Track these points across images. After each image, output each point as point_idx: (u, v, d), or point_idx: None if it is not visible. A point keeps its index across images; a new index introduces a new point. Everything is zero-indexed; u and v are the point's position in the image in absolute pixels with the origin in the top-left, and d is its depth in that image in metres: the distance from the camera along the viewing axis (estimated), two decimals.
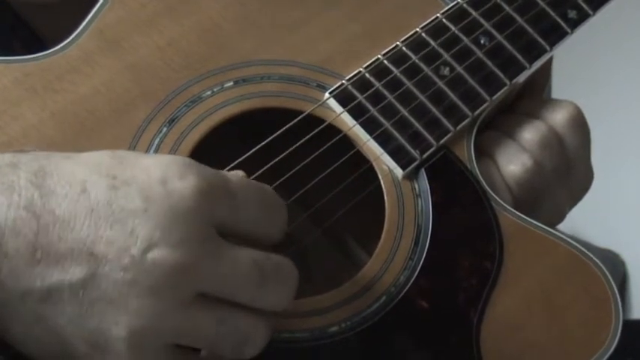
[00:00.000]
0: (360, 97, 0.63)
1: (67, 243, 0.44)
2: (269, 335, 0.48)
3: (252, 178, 0.56)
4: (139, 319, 0.44)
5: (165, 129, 0.59)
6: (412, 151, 0.62)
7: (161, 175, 0.45)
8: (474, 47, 0.66)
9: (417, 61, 0.65)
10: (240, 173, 0.53)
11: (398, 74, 0.64)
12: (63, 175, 0.45)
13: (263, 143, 0.59)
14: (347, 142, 0.62)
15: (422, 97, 0.63)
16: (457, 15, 0.67)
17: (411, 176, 0.62)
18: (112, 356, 0.44)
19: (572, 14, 0.69)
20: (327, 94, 0.63)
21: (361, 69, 0.64)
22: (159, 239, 0.44)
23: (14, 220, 0.44)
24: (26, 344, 0.45)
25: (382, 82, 0.63)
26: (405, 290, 0.57)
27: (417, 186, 0.62)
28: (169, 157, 0.47)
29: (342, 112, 0.62)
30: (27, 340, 0.45)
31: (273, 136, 0.60)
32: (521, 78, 0.67)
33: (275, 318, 0.49)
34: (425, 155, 0.62)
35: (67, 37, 0.61)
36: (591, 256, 0.61)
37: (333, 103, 0.63)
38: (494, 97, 0.65)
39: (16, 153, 0.47)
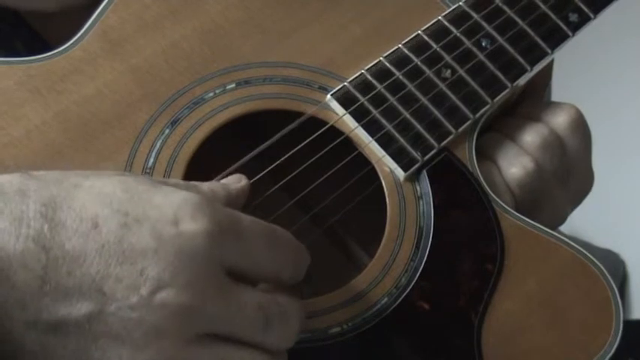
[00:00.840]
0: (362, 99, 0.63)
1: (75, 278, 0.43)
2: None
3: (253, 180, 0.56)
4: (142, 354, 0.44)
5: (167, 130, 0.59)
6: (414, 152, 0.62)
7: (173, 215, 0.45)
8: (475, 50, 0.66)
9: (418, 63, 0.65)
10: (242, 180, 0.53)
11: (399, 76, 0.64)
12: (74, 208, 0.45)
13: (265, 145, 0.59)
14: (349, 144, 0.63)
15: (423, 100, 0.64)
16: (458, 17, 0.67)
17: (413, 178, 0.62)
18: None
19: (573, 17, 0.69)
20: (328, 96, 0.63)
21: (363, 71, 0.64)
22: (168, 281, 0.44)
23: (22, 252, 0.43)
24: None
25: (384, 85, 0.63)
26: (407, 292, 0.57)
27: (418, 188, 0.62)
28: (182, 195, 0.47)
29: (344, 115, 0.62)
30: None
31: (275, 137, 0.60)
32: (523, 81, 0.67)
33: (285, 356, 0.49)
34: (426, 157, 0.62)
35: (70, 38, 0.61)
36: (591, 257, 0.62)
37: (334, 105, 0.63)
38: (496, 99, 0.65)
39: (25, 177, 0.46)
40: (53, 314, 0.43)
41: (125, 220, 0.45)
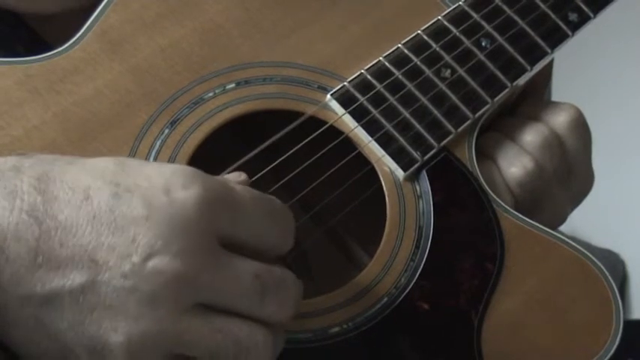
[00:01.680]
0: (362, 99, 0.63)
1: (68, 249, 0.44)
2: (273, 347, 0.48)
3: (253, 179, 0.56)
4: (137, 325, 0.44)
5: (167, 130, 0.59)
6: (413, 152, 0.62)
7: (164, 183, 0.45)
8: (475, 49, 0.66)
9: (418, 63, 0.65)
10: (242, 176, 0.53)
11: (399, 76, 0.64)
12: (66, 181, 0.45)
13: (265, 145, 0.59)
14: (348, 144, 0.63)
15: (423, 99, 0.64)
16: (458, 17, 0.67)
17: (413, 178, 0.62)
18: None
19: (573, 17, 0.69)
20: (328, 96, 0.63)
21: (362, 71, 0.64)
22: (160, 248, 0.44)
23: (16, 225, 0.44)
24: (27, 348, 0.45)
25: (383, 84, 0.63)
26: (407, 292, 0.57)
27: (418, 187, 0.62)
28: (173, 166, 0.47)
29: (343, 114, 0.62)
30: (28, 344, 0.45)
31: (275, 137, 0.60)
32: (522, 80, 0.67)
33: (283, 332, 0.49)
34: (426, 157, 0.62)
35: (69, 38, 0.61)
36: (591, 257, 0.62)
37: (334, 105, 0.63)
38: (496, 99, 0.65)
39: (20, 156, 0.47)
40: (47, 286, 0.43)
41: (116, 190, 0.45)
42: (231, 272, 0.46)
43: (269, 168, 0.58)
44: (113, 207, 0.44)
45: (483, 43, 0.66)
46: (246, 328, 0.46)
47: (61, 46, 0.60)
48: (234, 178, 0.53)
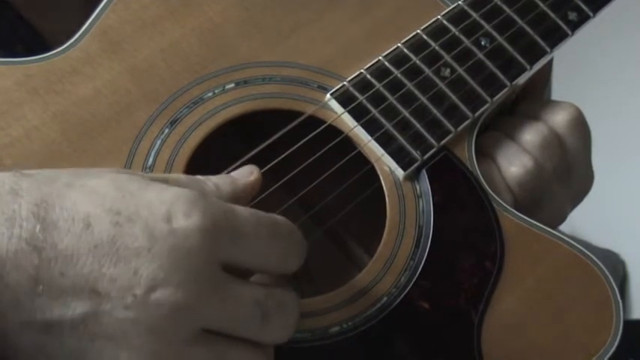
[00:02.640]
0: (361, 98, 0.63)
1: (69, 279, 0.43)
2: None
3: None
4: (139, 355, 0.44)
5: (167, 130, 0.59)
6: (413, 152, 0.62)
7: (165, 212, 0.45)
8: (474, 49, 0.66)
9: (417, 62, 0.65)
10: (254, 174, 0.53)
11: (399, 75, 0.64)
12: (66, 208, 0.45)
13: (264, 144, 0.59)
14: (348, 143, 0.63)
15: (423, 99, 0.64)
16: (457, 16, 0.67)
17: (412, 177, 0.62)
18: None
19: (572, 16, 0.69)
20: (328, 96, 0.63)
21: (362, 70, 0.64)
22: (162, 280, 0.44)
23: (15, 253, 0.43)
24: None
25: (383, 83, 0.63)
26: (406, 291, 0.57)
27: (418, 187, 0.62)
28: (175, 192, 0.46)
29: (342, 113, 0.62)
30: None
31: (275, 137, 0.60)
32: (522, 79, 0.67)
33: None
34: (426, 156, 0.62)
35: (69, 38, 0.61)
36: (592, 256, 0.62)
37: (334, 104, 0.63)
38: (495, 98, 0.65)
39: (17, 176, 0.46)
40: (48, 314, 0.43)
41: (117, 219, 0.44)
42: (231, 299, 0.45)
43: (268, 167, 0.58)
44: (114, 237, 0.44)
45: (483, 43, 0.66)
46: (246, 352, 0.47)
47: (60, 45, 0.60)
48: (245, 174, 0.53)
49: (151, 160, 0.58)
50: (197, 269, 0.44)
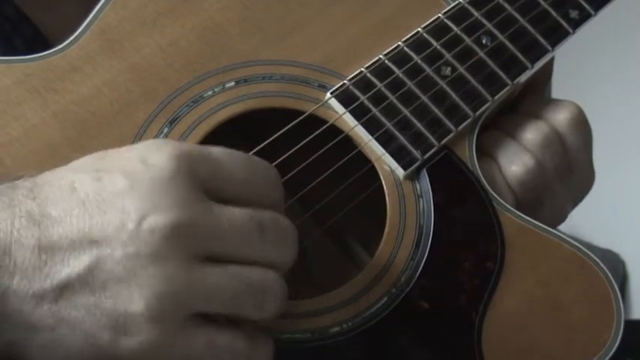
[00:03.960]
0: (362, 98, 0.63)
1: (67, 238, 0.45)
2: (285, 288, 0.49)
3: None
4: (150, 289, 0.45)
5: (166, 129, 0.59)
6: (414, 151, 0.62)
7: (139, 154, 0.47)
8: (475, 47, 0.66)
9: (418, 61, 0.65)
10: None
11: (399, 74, 0.64)
12: (53, 183, 0.47)
13: (264, 143, 0.59)
14: (348, 143, 0.62)
15: (423, 98, 0.63)
16: (459, 15, 0.67)
17: (413, 176, 0.62)
18: (136, 336, 0.45)
19: (573, 14, 0.69)
20: (328, 94, 0.63)
21: (363, 69, 0.64)
22: (150, 208, 0.45)
23: (18, 231, 0.46)
24: (52, 354, 0.46)
25: (384, 83, 0.63)
26: (407, 291, 0.57)
27: (418, 186, 0.62)
28: (146, 141, 0.50)
29: (344, 113, 0.62)
30: (52, 349, 0.45)
31: (275, 136, 0.60)
32: (523, 78, 0.67)
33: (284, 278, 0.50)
34: (426, 155, 0.62)
35: (69, 36, 0.61)
36: (593, 256, 0.61)
37: (334, 104, 0.63)
38: (496, 97, 0.65)
39: (18, 178, 0.49)
40: (56, 278, 0.45)
41: (97, 175, 0.47)
42: (224, 216, 0.47)
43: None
44: (98, 189, 0.46)
45: (484, 41, 0.66)
46: (256, 271, 0.48)
47: (61, 40, 0.60)
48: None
49: None
50: (180, 192, 0.46)
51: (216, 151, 0.49)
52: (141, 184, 0.46)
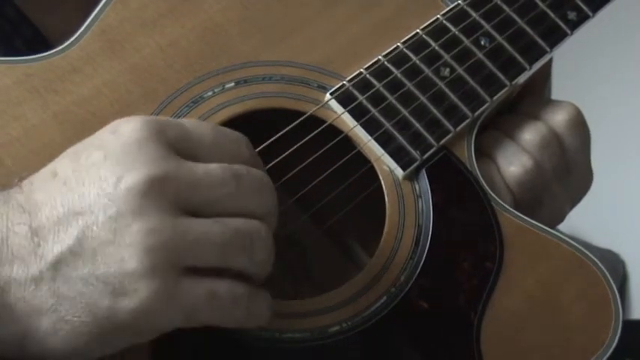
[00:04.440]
0: (361, 98, 0.63)
1: (53, 216, 0.47)
2: (271, 236, 0.50)
3: None
4: (138, 245, 0.45)
5: None
6: (413, 151, 0.62)
7: (109, 128, 0.49)
8: (474, 48, 0.66)
9: (417, 62, 0.65)
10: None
11: (398, 75, 0.64)
12: (38, 175, 0.49)
13: (264, 144, 0.59)
14: (348, 143, 0.63)
15: (422, 98, 0.64)
16: (457, 16, 0.67)
17: (412, 177, 0.62)
18: (135, 295, 0.45)
19: (571, 15, 0.69)
20: (328, 95, 0.63)
21: (362, 70, 0.64)
22: (124, 170, 0.47)
23: (12, 221, 0.47)
24: (57, 335, 0.46)
25: (383, 83, 0.63)
26: (406, 290, 0.57)
27: (417, 186, 0.62)
28: (118, 120, 0.50)
29: (342, 113, 0.62)
30: (57, 329, 0.46)
31: (275, 137, 0.60)
32: (522, 79, 0.67)
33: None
34: (425, 156, 0.62)
35: (70, 37, 0.61)
36: (591, 256, 0.62)
37: (333, 104, 0.63)
38: (495, 97, 0.65)
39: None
40: (50, 256, 0.46)
41: (75, 156, 0.49)
42: (198, 168, 0.48)
43: (268, 167, 0.58)
44: (75, 167, 0.48)
45: (482, 42, 0.67)
46: (241, 220, 0.48)
47: (62, 41, 0.60)
48: None
49: None
50: (152, 151, 0.47)
51: (184, 120, 0.51)
52: (113, 151, 0.47)
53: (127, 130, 0.48)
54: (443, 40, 0.66)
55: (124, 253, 0.45)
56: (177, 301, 0.46)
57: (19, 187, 0.49)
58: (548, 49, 0.68)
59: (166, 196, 0.46)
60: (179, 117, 0.60)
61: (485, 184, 0.63)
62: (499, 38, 0.67)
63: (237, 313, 0.48)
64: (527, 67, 0.67)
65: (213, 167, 0.48)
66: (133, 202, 0.46)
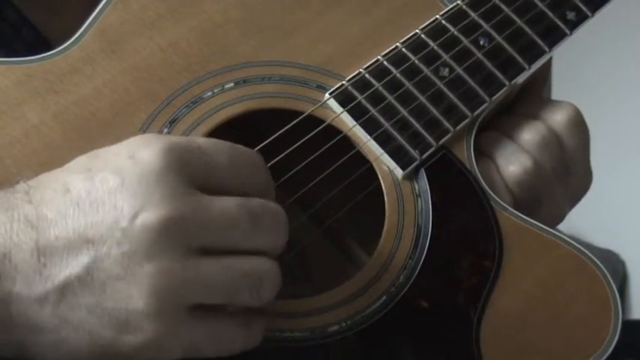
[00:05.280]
0: (360, 98, 0.63)
1: (63, 239, 0.46)
2: (280, 275, 0.50)
3: None
4: (148, 286, 0.45)
5: (166, 130, 0.59)
6: (412, 151, 0.62)
7: (128, 151, 0.48)
8: (473, 48, 0.66)
9: (416, 61, 0.65)
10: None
11: (398, 75, 0.64)
12: (48, 185, 0.48)
13: (263, 144, 0.60)
14: (347, 143, 0.63)
15: (421, 98, 0.64)
16: (456, 16, 0.67)
17: (411, 176, 0.62)
18: (138, 333, 0.46)
19: (570, 15, 0.69)
20: (327, 95, 0.63)
21: (361, 70, 0.64)
22: (141, 204, 0.46)
23: (17, 235, 0.47)
24: (58, 352, 0.47)
25: (382, 83, 0.64)
26: (405, 290, 0.57)
27: (416, 186, 0.62)
28: (135, 136, 0.50)
29: (341, 112, 0.63)
30: (58, 347, 0.46)
31: (274, 136, 0.60)
32: (521, 79, 0.67)
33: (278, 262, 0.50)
34: (424, 155, 0.62)
35: (70, 38, 0.61)
36: (591, 256, 0.62)
37: (333, 104, 0.63)
38: (494, 97, 0.65)
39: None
40: (56, 280, 0.46)
41: (89, 174, 0.48)
42: (214, 207, 0.47)
43: (268, 166, 0.58)
44: (90, 188, 0.47)
45: (481, 42, 0.67)
46: (250, 260, 0.48)
47: (63, 44, 0.60)
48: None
49: None
50: (170, 186, 0.47)
51: (201, 141, 0.50)
52: (131, 180, 0.46)
53: (146, 157, 0.47)
54: (442, 40, 0.66)
55: (132, 291, 0.45)
56: (179, 340, 0.47)
57: (27, 196, 0.48)
58: (547, 49, 0.68)
59: (180, 237, 0.46)
60: (178, 118, 0.60)
61: (484, 184, 0.63)
62: (498, 38, 0.67)
63: (235, 346, 0.49)
64: (527, 66, 0.67)
65: (229, 206, 0.48)
66: (147, 242, 0.45)
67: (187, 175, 0.47)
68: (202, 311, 0.47)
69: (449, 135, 0.63)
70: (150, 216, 0.45)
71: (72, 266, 0.46)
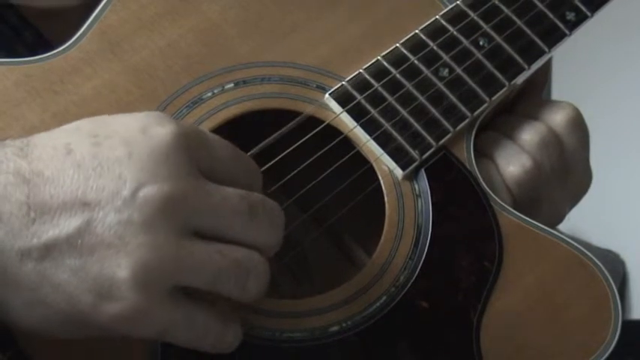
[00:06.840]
0: (360, 98, 0.63)
1: (58, 198, 0.45)
2: (268, 272, 0.49)
3: None
4: (139, 256, 0.45)
5: None
6: (412, 151, 0.62)
7: (140, 124, 0.48)
8: (472, 48, 0.66)
9: (416, 62, 0.65)
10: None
11: (397, 75, 0.64)
12: (47, 143, 0.47)
13: (263, 144, 0.60)
14: (347, 143, 0.63)
15: (421, 98, 0.64)
16: (456, 16, 0.67)
17: (411, 177, 0.62)
18: (119, 302, 0.45)
19: (570, 16, 0.69)
20: (326, 95, 0.63)
21: (361, 70, 0.64)
22: (147, 178, 0.46)
23: (5, 187, 0.46)
24: (32, 313, 0.46)
25: (381, 83, 0.64)
26: (405, 290, 0.58)
27: (416, 186, 0.62)
28: (145, 112, 0.50)
29: (341, 113, 0.63)
30: (33, 307, 0.46)
31: (273, 137, 0.60)
32: (520, 79, 0.67)
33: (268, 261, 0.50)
34: (424, 156, 0.62)
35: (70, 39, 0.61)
36: (591, 256, 0.62)
37: (332, 104, 0.63)
38: (494, 98, 0.66)
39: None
40: (43, 238, 0.45)
41: (96, 139, 0.47)
42: (217, 193, 0.47)
43: (267, 167, 0.58)
44: (96, 153, 0.46)
45: (481, 43, 0.67)
46: (243, 251, 0.48)
47: (60, 46, 0.61)
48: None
49: None
50: (178, 166, 0.47)
51: (210, 134, 0.51)
52: (140, 153, 0.46)
53: (159, 134, 0.47)
54: (442, 40, 0.66)
55: (122, 260, 0.45)
56: (156, 319, 0.46)
57: (20, 150, 0.47)
58: (546, 50, 0.68)
59: (180, 216, 0.46)
60: (178, 118, 0.60)
61: (484, 184, 0.63)
62: (498, 38, 0.67)
63: (207, 340, 0.49)
64: (526, 67, 0.67)
65: (231, 195, 0.48)
66: (147, 214, 0.45)
67: (194, 160, 0.48)
68: (184, 295, 0.47)
69: (449, 135, 0.63)
70: (153, 190, 0.45)
71: (63, 226, 0.45)
